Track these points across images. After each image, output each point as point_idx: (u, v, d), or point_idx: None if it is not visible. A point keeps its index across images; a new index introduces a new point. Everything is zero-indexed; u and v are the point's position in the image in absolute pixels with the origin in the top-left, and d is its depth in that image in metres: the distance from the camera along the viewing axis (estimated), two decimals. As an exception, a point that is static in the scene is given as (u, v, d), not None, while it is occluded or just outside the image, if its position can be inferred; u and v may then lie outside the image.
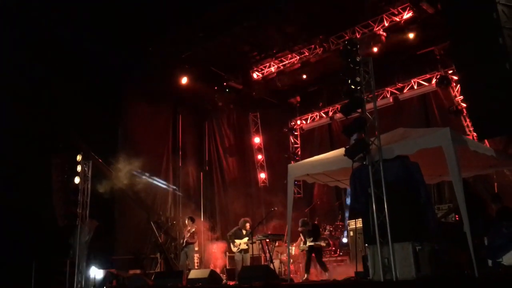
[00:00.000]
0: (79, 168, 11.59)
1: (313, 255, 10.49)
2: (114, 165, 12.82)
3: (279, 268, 11.75)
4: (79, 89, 12.35)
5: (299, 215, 12.14)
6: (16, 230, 10.81)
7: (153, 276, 11.39)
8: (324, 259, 11.14)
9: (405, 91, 13.61)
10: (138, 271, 12.42)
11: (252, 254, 11.43)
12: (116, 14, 11.43)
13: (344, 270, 9.86)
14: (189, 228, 12.25)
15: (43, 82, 11.86)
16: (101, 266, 11.41)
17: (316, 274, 10.77)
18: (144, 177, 13.63)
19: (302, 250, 10.87)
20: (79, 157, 11.66)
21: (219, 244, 13.99)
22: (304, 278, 10.22)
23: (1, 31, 10.91)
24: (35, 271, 10.69)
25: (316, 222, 12.10)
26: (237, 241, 11.67)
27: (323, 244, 10.55)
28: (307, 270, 10.40)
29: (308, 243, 10.47)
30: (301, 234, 10.90)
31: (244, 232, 11.72)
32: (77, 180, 11.56)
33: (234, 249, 11.75)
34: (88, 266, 11.14)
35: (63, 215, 11.48)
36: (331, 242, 12.25)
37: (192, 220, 12.51)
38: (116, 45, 12.35)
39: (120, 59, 12.77)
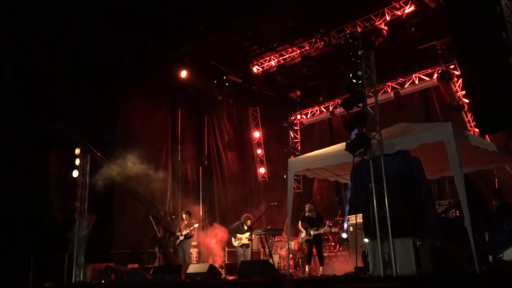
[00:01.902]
0: (77, 162, 11.53)
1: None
2: (112, 159, 12.75)
3: (278, 263, 11.73)
4: (77, 83, 12.26)
5: (298, 210, 12.09)
6: (14, 225, 10.77)
7: (151, 271, 11.36)
8: (323, 254, 11.10)
9: (406, 86, 13.56)
10: (136, 266, 12.39)
11: (252, 249, 11.40)
12: (115, 7, 11.32)
13: (343, 266, 9.84)
14: (186, 222, 12.20)
15: (42, 76, 11.77)
16: (99, 260, 11.36)
17: (314, 269, 10.73)
18: (143, 171, 13.55)
19: (305, 241, 10.72)
20: (77, 151, 11.60)
21: (218, 236, 13.88)
22: (306, 272, 10.17)
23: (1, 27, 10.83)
24: (33, 265, 10.65)
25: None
26: (239, 236, 11.64)
27: (333, 230, 10.46)
28: (308, 261, 10.33)
29: (313, 233, 10.35)
30: (300, 225, 10.78)
31: (245, 227, 11.69)
32: (75, 174, 11.50)
33: (236, 243, 11.71)
34: (86, 260, 11.09)
35: (62, 209, 11.44)
36: (330, 237, 12.23)
37: (189, 214, 12.47)
38: (115, 39, 12.26)
39: (119, 52, 12.68)
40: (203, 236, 14.34)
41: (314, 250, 10.47)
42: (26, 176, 11.24)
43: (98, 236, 11.49)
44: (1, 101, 10.97)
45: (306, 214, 10.66)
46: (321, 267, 10.23)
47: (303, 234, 10.77)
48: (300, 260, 11.76)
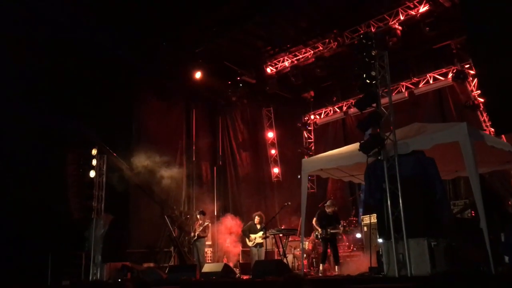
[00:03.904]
0: (94, 162, 11.70)
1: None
2: (128, 160, 12.91)
3: (292, 263, 11.76)
4: (93, 84, 12.44)
5: (312, 210, 12.11)
6: (33, 224, 10.96)
7: (167, 270, 11.49)
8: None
9: (420, 85, 13.47)
10: (152, 264, 12.55)
11: (266, 249, 11.45)
12: (129, 10, 11.46)
13: (358, 266, 9.82)
14: (200, 222, 12.29)
15: (58, 77, 11.96)
16: (115, 259, 11.52)
17: (329, 268, 10.73)
18: (158, 171, 13.70)
19: (322, 238, 10.62)
20: (94, 151, 11.77)
21: (233, 228, 13.95)
22: (321, 271, 10.17)
23: (17, 28, 11.02)
24: (51, 263, 10.84)
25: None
26: (253, 236, 11.69)
27: (341, 228, 10.39)
28: (323, 260, 10.32)
29: (330, 231, 10.32)
30: (315, 223, 10.73)
31: (258, 226, 11.75)
32: (92, 174, 11.67)
33: (250, 244, 11.77)
34: (103, 259, 11.26)
35: (79, 208, 11.63)
36: (344, 237, 12.22)
37: (203, 213, 12.56)
38: (130, 41, 12.40)
39: (134, 54, 12.83)
40: (217, 232, 14.42)
41: (328, 250, 10.49)
42: (44, 176, 11.43)
43: (114, 235, 11.64)
44: (19, 102, 11.17)
45: (328, 210, 10.53)
46: (336, 267, 10.21)
47: (318, 232, 10.74)
48: (314, 260, 11.78)
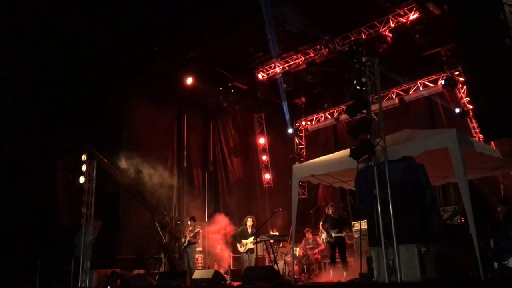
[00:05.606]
0: (84, 168, 11.61)
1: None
2: (118, 165, 12.83)
3: (283, 269, 11.72)
4: (84, 89, 12.37)
5: (303, 216, 12.11)
6: (22, 230, 10.84)
7: (157, 276, 11.39)
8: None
9: (410, 92, 13.58)
10: (142, 271, 12.44)
11: (257, 255, 11.40)
12: (121, 14, 11.44)
13: (348, 272, 9.82)
14: (190, 228, 12.22)
15: (48, 82, 11.88)
16: (105, 265, 11.41)
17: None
18: (148, 177, 13.63)
19: (327, 242, 10.66)
20: (84, 157, 11.67)
21: (222, 229, 13.90)
22: (331, 273, 10.14)
23: (7, 33, 10.96)
24: (40, 270, 10.71)
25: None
26: (244, 241, 11.61)
27: (344, 232, 10.37)
28: (332, 260, 10.35)
29: (334, 234, 10.31)
30: (321, 226, 10.75)
31: (249, 231, 11.68)
32: (82, 180, 11.57)
33: (241, 249, 11.67)
34: (92, 266, 11.14)
35: (68, 214, 11.52)
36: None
37: (193, 219, 12.48)
38: (122, 45, 12.37)
39: (126, 59, 12.79)
40: (208, 238, 14.34)
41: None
42: (34, 181, 11.32)
43: (104, 241, 11.52)
44: (10, 107, 11.08)
45: (328, 213, 10.61)
46: (344, 272, 10.04)
47: (323, 236, 10.76)
48: (305, 266, 11.76)
